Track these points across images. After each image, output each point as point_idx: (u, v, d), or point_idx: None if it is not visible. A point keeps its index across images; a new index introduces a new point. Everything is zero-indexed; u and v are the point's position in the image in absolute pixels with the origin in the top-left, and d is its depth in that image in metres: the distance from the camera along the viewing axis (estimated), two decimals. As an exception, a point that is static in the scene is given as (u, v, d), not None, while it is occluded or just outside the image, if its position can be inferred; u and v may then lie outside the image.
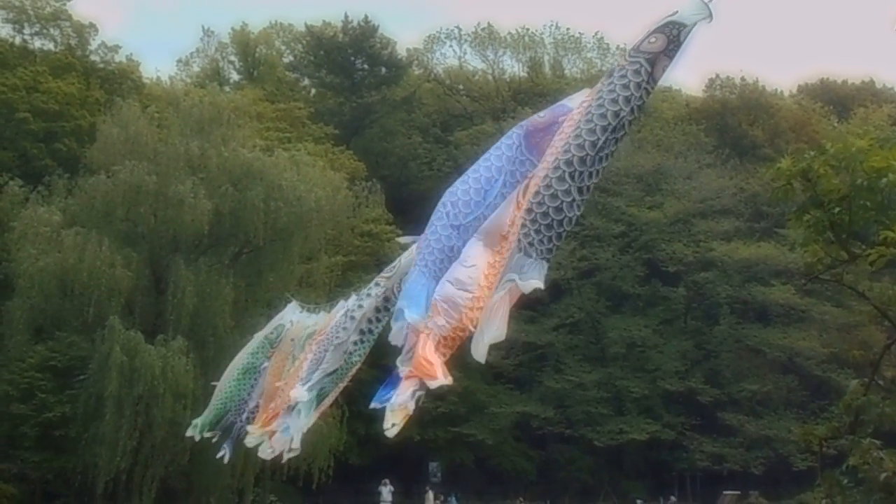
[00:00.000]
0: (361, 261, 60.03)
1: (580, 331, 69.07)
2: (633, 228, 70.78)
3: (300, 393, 10.11)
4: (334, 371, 10.46)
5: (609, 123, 6.61)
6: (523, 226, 6.71)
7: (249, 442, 11.64)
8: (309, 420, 10.45)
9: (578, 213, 6.85)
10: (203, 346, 45.87)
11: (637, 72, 6.70)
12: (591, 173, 6.67)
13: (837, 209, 11.94)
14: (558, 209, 6.62)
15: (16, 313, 46.67)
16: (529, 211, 6.71)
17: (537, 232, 6.66)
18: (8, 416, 46.95)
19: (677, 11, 6.92)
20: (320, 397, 10.19)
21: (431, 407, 61.03)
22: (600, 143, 6.61)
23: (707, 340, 68.84)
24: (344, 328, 10.52)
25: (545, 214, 6.64)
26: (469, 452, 64.66)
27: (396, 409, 6.85)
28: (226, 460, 12.51)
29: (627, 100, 6.67)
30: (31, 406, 46.68)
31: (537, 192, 6.73)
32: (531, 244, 6.68)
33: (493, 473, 66.00)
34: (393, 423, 6.86)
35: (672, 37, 6.81)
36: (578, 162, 6.61)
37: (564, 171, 6.62)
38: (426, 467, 63.43)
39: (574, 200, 6.69)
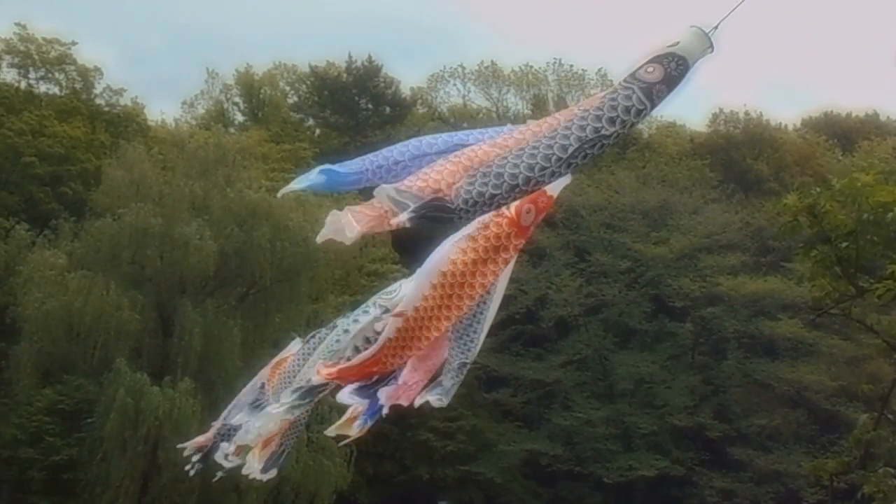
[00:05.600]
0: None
1: (588, 367, 68.78)
2: (640, 264, 70.63)
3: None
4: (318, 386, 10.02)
5: (586, 136, 6.57)
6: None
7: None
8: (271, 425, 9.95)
9: (507, 199, 6.65)
10: (211, 388, 45.74)
11: (628, 97, 6.63)
12: (553, 172, 6.61)
13: (844, 244, 11.94)
14: (498, 185, 6.48)
15: (23, 357, 46.67)
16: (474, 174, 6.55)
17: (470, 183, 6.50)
18: (16, 460, 46.84)
19: (678, 42, 6.87)
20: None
21: (440, 445, 60.82)
22: (570, 149, 6.57)
23: (715, 375, 68.53)
24: (336, 340, 10.22)
25: (485, 183, 6.51)
26: (478, 491, 64.20)
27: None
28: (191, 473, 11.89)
29: (612, 121, 6.62)
30: (39, 450, 46.59)
31: (489, 165, 6.57)
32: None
33: (503, 512, 65.57)
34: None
35: (670, 69, 6.77)
36: (543, 158, 6.55)
37: (524, 160, 6.54)
38: (435, 507, 63.07)
39: (508, 188, 6.54)
